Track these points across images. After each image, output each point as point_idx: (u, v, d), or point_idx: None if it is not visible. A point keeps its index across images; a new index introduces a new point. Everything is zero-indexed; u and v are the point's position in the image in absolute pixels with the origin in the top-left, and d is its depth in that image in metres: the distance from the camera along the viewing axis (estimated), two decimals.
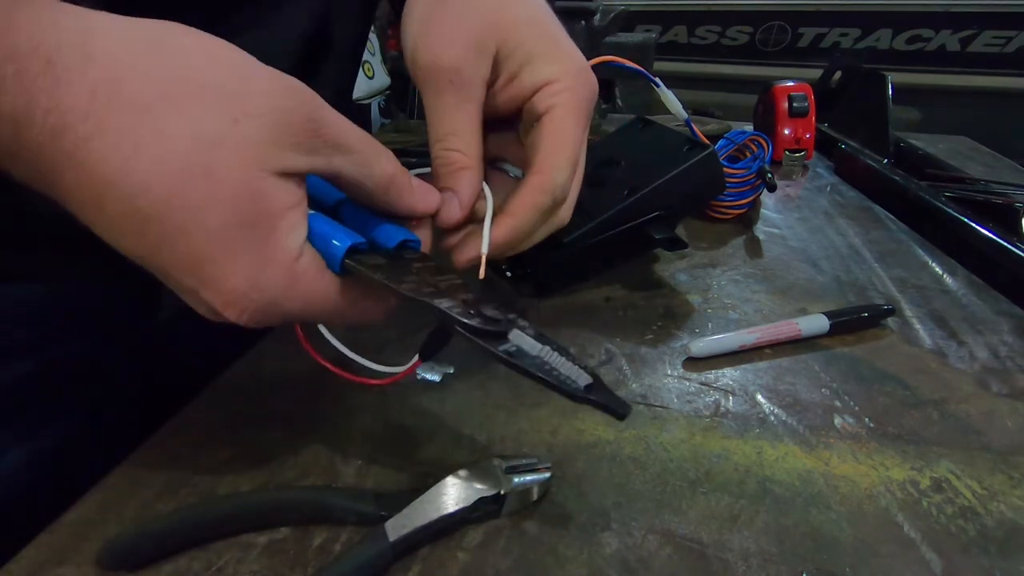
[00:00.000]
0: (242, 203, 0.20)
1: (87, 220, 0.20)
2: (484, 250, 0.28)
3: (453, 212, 0.28)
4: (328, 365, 0.29)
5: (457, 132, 0.29)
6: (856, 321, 0.38)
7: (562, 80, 0.30)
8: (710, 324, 0.39)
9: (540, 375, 0.22)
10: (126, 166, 0.18)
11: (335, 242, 0.23)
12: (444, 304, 0.23)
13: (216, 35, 0.33)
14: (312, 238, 0.23)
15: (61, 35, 0.18)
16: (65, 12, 0.18)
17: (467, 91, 0.29)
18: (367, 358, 0.29)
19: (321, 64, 0.38)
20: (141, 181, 0.19)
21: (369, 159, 0.24)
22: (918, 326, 0.39)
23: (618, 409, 0.23)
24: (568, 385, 0.22)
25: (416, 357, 0.28)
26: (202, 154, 0.19)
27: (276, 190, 0.21)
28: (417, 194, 0.26)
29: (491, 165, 0.33)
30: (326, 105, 0.22)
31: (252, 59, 0.21)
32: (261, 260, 0.21)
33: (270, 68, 0.21)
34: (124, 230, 0.20)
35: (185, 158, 0.19)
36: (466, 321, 0.22)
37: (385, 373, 0.29)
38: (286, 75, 0.22)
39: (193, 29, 0.21)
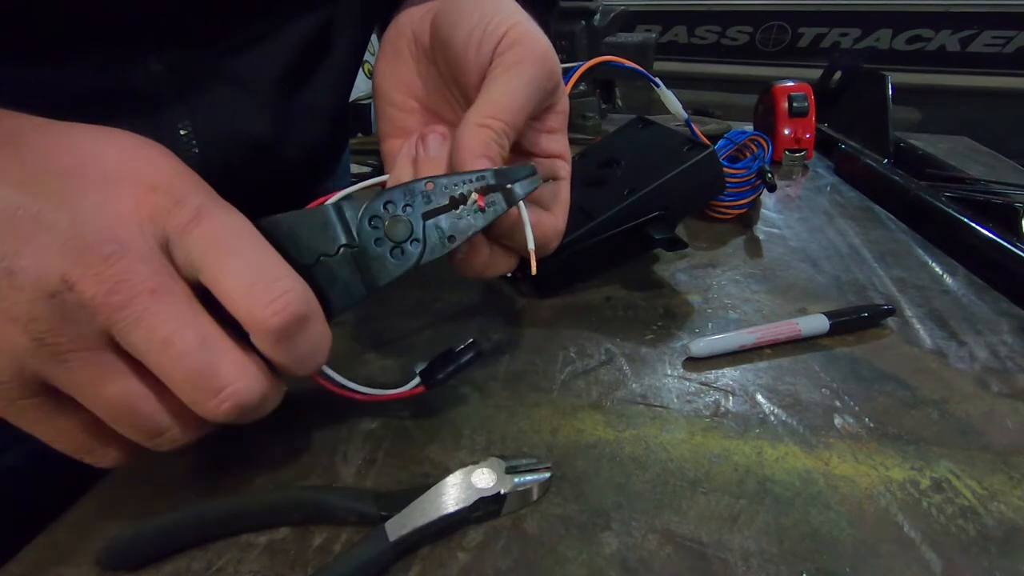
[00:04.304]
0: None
1: None
2: (531, 246, 0.29)
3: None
4: (330, 387, 0.29)
5: (517, 128, 0.29)
6: (856, 321, 0.38)
7: (568, 158, 0.34)
8: (710, 324, 0.39)
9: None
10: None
11: None
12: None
13: (217, 51, 0.34)
14: None
15: None
16: None
17: (540, 101, 0.30)
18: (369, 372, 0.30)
19: (319, 69, 0.38)
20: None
21: None
22: (918, 326, 0.39)
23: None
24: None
25: (418, 380, 0.29)
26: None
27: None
28: None
29: None
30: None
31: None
32: (183, 175, 0.22)
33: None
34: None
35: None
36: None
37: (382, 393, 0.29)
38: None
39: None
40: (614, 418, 0.31)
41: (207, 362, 0.20)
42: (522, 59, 0.29)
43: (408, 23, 0.34)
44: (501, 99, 0.28)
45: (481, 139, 0.27)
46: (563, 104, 0.33)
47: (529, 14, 0.32)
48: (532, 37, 0.30)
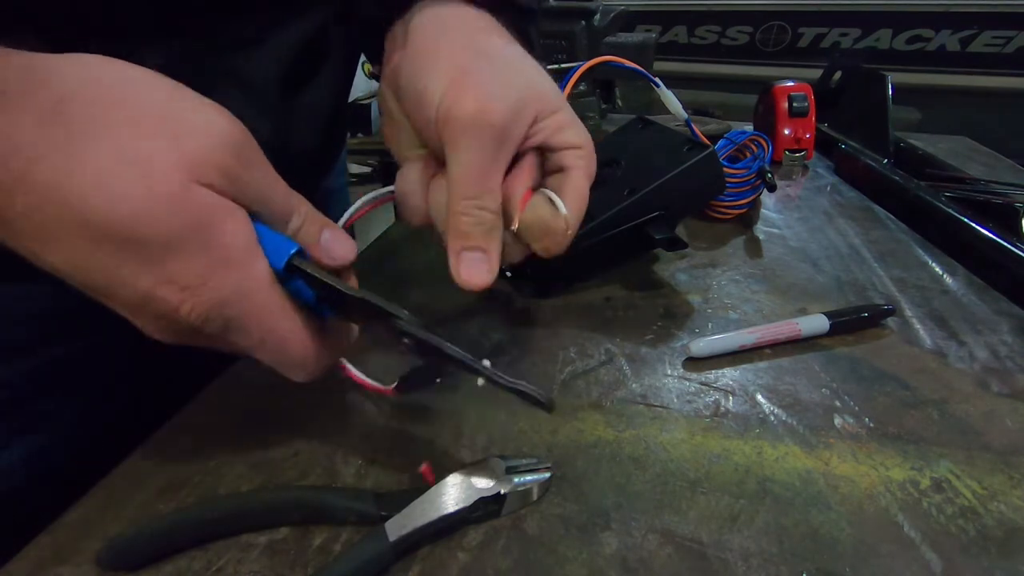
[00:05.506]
0: (183, 206, 0.21)
1: (41, 253, 0.21)
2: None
3: (483, 276, 0.29)
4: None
5: (492, 191, 0.29)
6: (856, 321, 0.38)
7: (586, 148, 0.32)
8: (710, 324, 0.39)
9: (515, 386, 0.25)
10: (68, 183, 0.20)
11: (279, 247, 0.24)
12: (405, 316, 0.24)
13: (217, 52, 0.34)
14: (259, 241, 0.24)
15: (9, 71, 0.20)
16: (11, 51, 0.20)
17: (507, 150, 0.29)
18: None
19: (319, 71, 0.38)
20: (82, 198, 0.20)
21: (284, 211, 0.25)
22: (918, 326, 0.39)
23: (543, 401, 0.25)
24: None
25: (396, 382, 0.31)
26: (136, 167, 0.20)
27: (213, 198, 0.22)
28: (324, 249, 0.26)
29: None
30: (258, 150, 0.24)
31: (193, 93, 0.23)
32: (214, 259, 0.22)
33: (214, 104, 0.23)
34: (77, 251, 0.21)
35: (120, 172, 0.20)
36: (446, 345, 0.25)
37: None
38: (228, 113, 0.23)
39: (132, 65, 0.22)
40: (614, 418, 0.31)
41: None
42: (461, 131, 0.28)
43: (385, 83, 0.33)
44: (460, 180, 0.28)
45: (462, 230, 0.28)
46: (555, 116, 0.31)
47: (501, 23, 0.32)
48: (466, 93, 0.28)
